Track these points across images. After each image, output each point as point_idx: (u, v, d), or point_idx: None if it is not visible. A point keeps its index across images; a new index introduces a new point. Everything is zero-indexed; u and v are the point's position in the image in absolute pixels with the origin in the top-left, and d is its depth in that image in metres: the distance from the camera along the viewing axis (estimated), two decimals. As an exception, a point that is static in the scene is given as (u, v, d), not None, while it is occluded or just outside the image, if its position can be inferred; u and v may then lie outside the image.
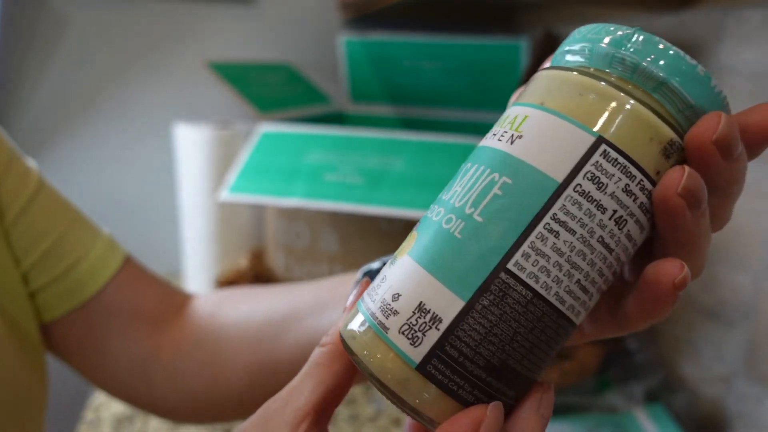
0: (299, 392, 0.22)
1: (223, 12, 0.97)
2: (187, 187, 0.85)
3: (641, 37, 0.19)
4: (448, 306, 0.19)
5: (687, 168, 0.18)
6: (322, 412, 0.22)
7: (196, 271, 0.88)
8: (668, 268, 0.19)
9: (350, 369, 0.23)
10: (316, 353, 0.23)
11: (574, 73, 0.20)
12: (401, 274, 0.20)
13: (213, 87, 0.89)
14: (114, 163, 0.98)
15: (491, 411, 0.19)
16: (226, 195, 0.64)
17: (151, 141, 0.98)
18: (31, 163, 0.40)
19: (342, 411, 0.65)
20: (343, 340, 0.21)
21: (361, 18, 0.97)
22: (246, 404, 0.39)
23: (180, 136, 0.84)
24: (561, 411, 0.63)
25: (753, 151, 0.20)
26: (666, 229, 0.19)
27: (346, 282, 0.36)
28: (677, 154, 0.19)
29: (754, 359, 0.58)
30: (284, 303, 0.38)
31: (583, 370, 0.66)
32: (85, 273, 0.39)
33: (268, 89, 0.82)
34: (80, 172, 0.97)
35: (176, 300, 0.44)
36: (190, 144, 0.83)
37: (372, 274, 0.31)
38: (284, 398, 0.22)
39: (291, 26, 1.00)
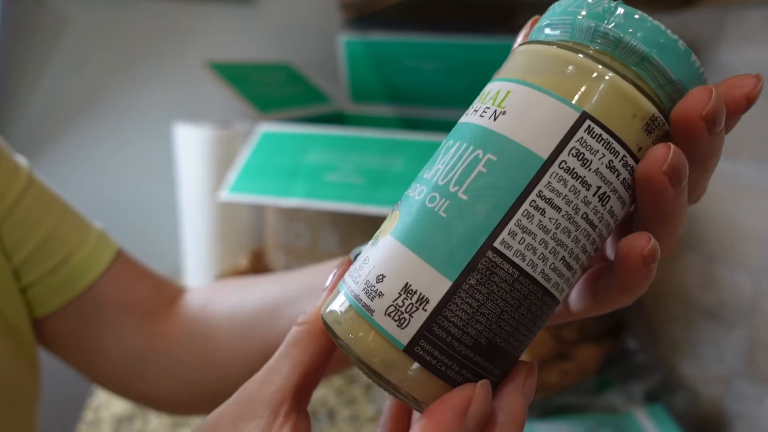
0: (276, 373, 0.22)
1: (223, 12, 0.97)
2: (187, 187, 0.85)
3: (622, 10, 0.19)
4: (435, 286, 0.18)
5: (672, 146, 0.18)
6: (302, 392, 0.22)
7: (196, 271, 0.88)
8: (637, 241, 0.19)
9: (328, 349, 0.23)
10: (294, 332, 0.23)
11: (555, 47, 0.20)
12: (385, 254, 0.20)
13: (213, 87, 0.89)
14: (114, 163, 0.98)
15: (480, 390, 0.19)
16: (226, 195, 0.64)
17: (151, 141, 0.98)
18: (21, 159, 0.40)
19: (342, 411, 0.65)
20: (325, 323, 0.21)
21: (361, 18, 0.97)
22: None
23: (180, 136, 0.84)
24: (561, 411, 0.63)
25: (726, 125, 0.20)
26: (647, 206, 0.19)
27: (336, 266, 0.36)
28: (658, 130, 0.19)
29: (754, 359, 0.58)
30: (276, 289, 0.38)
31: (583, 370, 0.66)
32: (77, 267, 0.40)
33: (268, 89, 0.82)
34: (80, 172, 0.97)
35: (169, 293, 0.44)
36: (190, 144, 0.83)
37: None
38: (261, 379, 0.22)
39: (291, 26, 1.00)
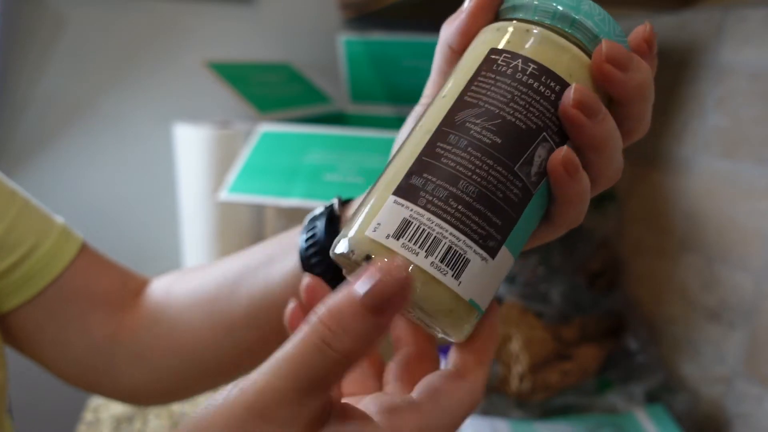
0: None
1: (223, 12, 0.97)
2: (187, 187, 0.85)
3: None
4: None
5: (574, 85, 0.22)
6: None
7: (195, 271, 0.88)
8: (556, 153, 0.22)
9: None
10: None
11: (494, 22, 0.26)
12: None
13: (213, 87, 0.89)
14: (113, 163, 0.98)
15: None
16: (225, 195, 0.64)
17: (151, 141, 0.98)
18: None
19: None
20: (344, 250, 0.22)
21: (361, 18, 0.97)
22: (209, 371, 0.39)
23: (180, 136, 0.84)
24: (561, 411, 0.63)
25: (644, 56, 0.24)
26: (573, 136, 0.23)
27: (294, 234, 0.36)
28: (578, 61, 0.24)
29: (754, 360, 0.58)
30: (236, 264, 0.38)
31: (584, 370, 0.66)
32: (42, 260, 0.39)
33: (268, 89, 0.82)
34: (79, 172, 0.97)
35: (134, 284, 0.44)
36: (190, 144, 0.83)
37: (316, 220, 0.33)
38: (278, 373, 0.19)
39: (291, 26, 1.00)
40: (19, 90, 0.92)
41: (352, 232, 0.22)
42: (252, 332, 0.36)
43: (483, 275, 0.22)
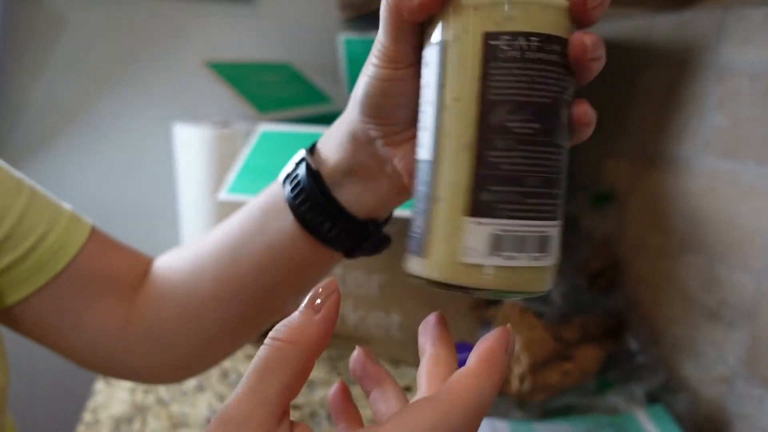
0: (264, 393, 0.21)
1: (222, 11, 0.97)
2: (187, 187, 0.85)
3: None
4: None
5: (585, 35, 0.23)
6: (288, 405, 0.22)
7: (195, 271, 0.88)
8: (581, 113, 0.24)
9: (311, 364, 0.22)
10: (276, 349, 0.22)
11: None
12: None
13: (213, 87, 0.89)
14: (113, 163, 0.98)
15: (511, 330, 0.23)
16: (225, 195, 0.64)
17: (150, 141, 0.98)
18: None
19: (342, 412, 0.65)
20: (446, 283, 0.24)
21: (361, 17, 0.96)
22: (217, 338, 0.41)
23: (180, 136, 0.84)
24: (562, 412, 0.63)
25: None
26: (586, 78, 0.25)
27: (273, 200, 0.38)
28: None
29: (754, 360, 0.58)
30: (231, 233, 0.39)
31: (584, 370, 0.65)
32: (53, 247, 0.39)
33: (268, 89, 0.82)
34: (80, 172, 0.97)
35: (143, 265, 0.44)
36: (190, 144, 0.83)
37: (297, 169, 0.36)
38: (249, 400, 0.21)
39: (291, 26, 1.00)
40: (19, 90, 0.92)
41: (439, 261, 0.24)
42: (259, 291, 0.38)
43: (558, 237, 0.24)
